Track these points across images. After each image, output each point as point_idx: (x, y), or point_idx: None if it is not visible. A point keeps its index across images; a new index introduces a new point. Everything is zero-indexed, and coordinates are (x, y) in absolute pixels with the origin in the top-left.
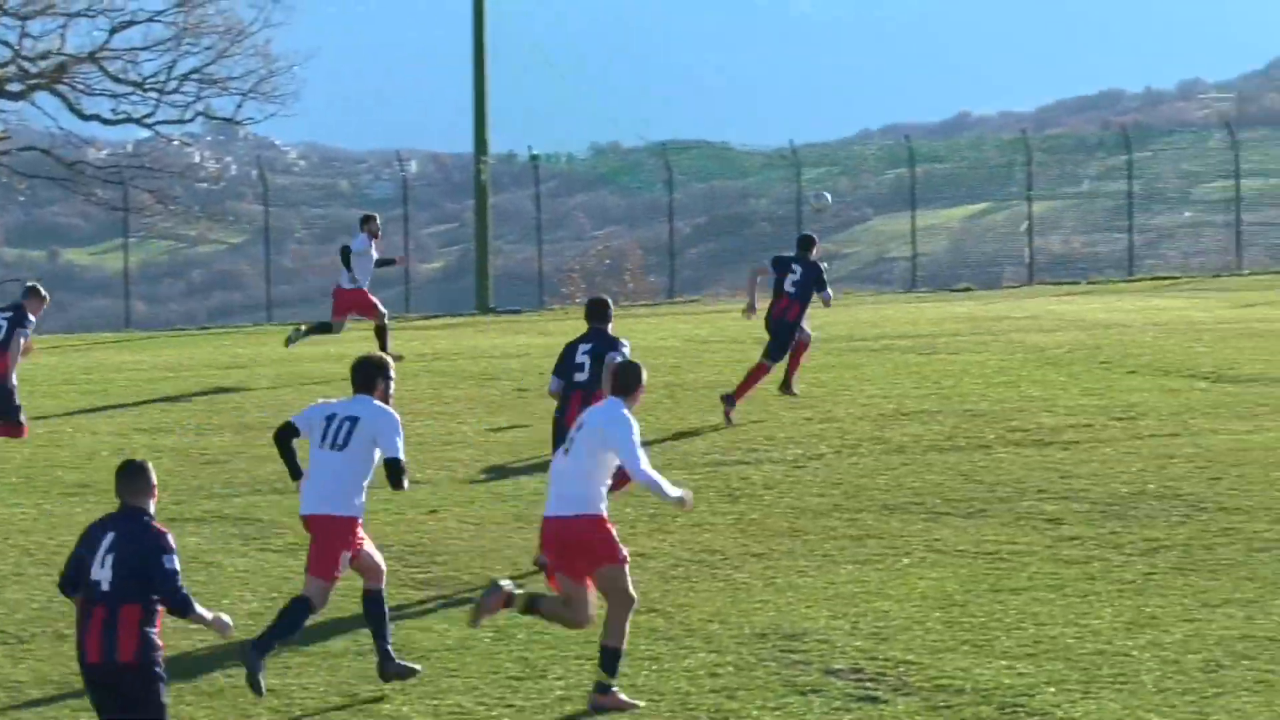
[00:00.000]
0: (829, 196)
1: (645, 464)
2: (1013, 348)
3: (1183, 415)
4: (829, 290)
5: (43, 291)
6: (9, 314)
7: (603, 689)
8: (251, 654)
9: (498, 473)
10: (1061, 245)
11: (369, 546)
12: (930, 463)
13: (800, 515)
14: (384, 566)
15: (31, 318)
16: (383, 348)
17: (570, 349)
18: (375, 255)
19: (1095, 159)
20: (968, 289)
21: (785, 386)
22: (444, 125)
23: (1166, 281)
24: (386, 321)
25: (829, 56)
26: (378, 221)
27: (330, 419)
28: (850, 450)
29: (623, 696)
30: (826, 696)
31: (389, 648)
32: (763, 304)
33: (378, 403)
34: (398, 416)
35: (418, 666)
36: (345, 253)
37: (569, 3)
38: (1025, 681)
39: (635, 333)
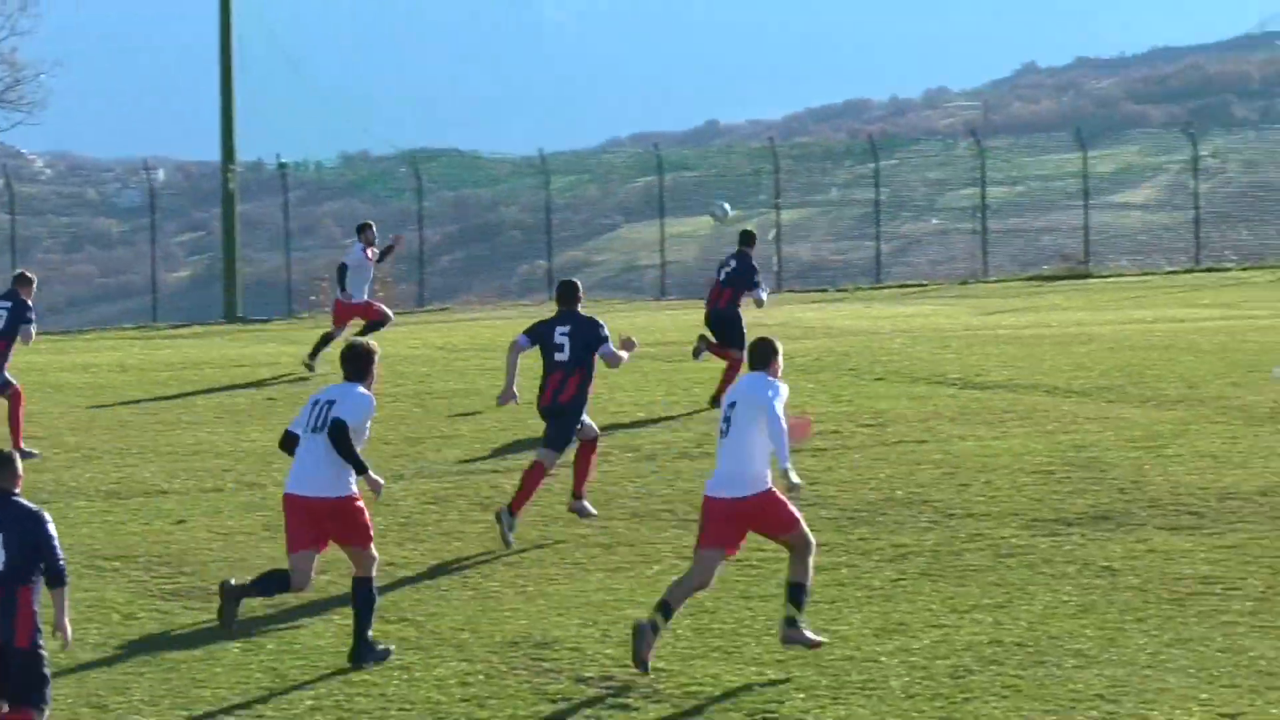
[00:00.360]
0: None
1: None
2: None
3: (930, 422)
4: (761, 291)
5: (30, 275)
6: (9, 304)
7: (790, 623)
8: (358, 657)
9: (247, 482)
10: (810, 253)
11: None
12: (680, 470)
13: (551, 523)
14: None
15: (31, 306)
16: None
17: (547, 328)
18: (373, 264)
19: (843, 167)
20: None
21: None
22: (191, 133)
23: (914, 289)
24: (390, 322)
25: (578, 64)
26: (374, 230)
27: (315, 404)
28: (601, 458)
29: (809, 633)
30: (578, 705)
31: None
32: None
33: (360, 389)
34: (372, 402)
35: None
36: (342, 271)
37: (316, 11)
38: (775, 688)
39: (385, 342)
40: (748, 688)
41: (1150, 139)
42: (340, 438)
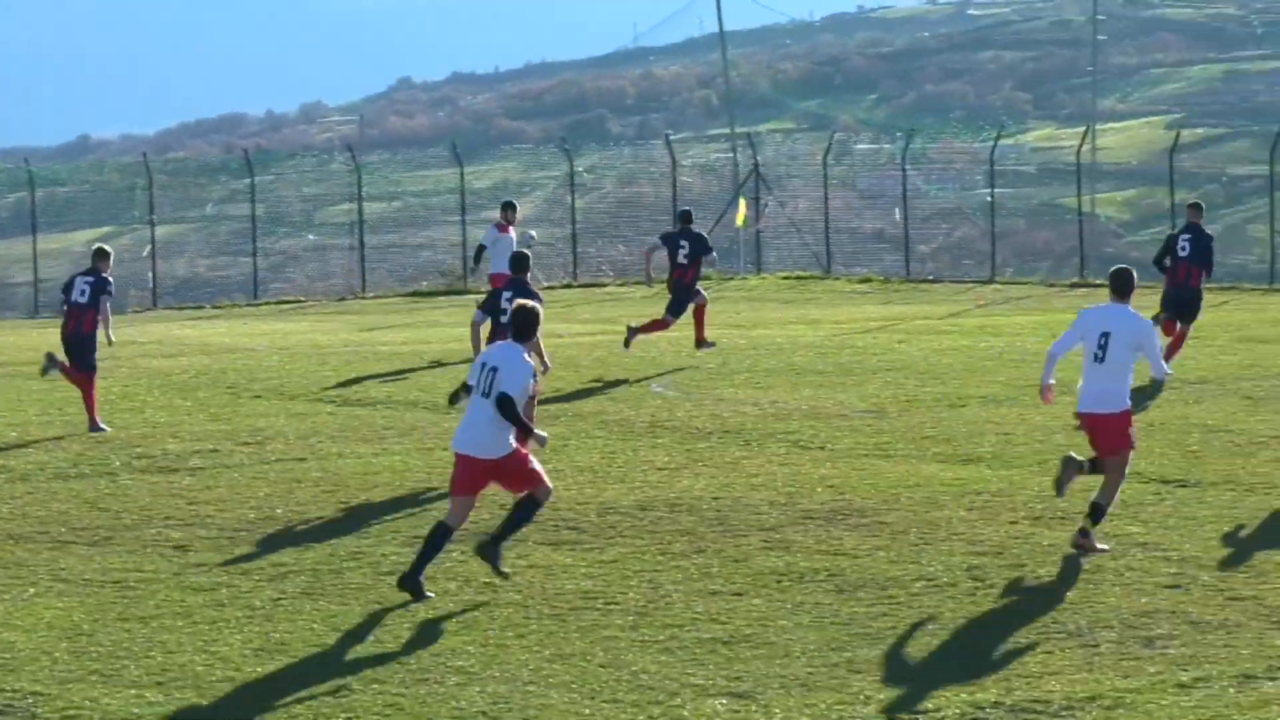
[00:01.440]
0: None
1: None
2: (138, 373)
3: (310, 439)
4: (714, 252)
5: (108, 249)
6: (90, 279)
7: (1084, 533)
8: (484, 548)
9: None
10: (186, 269)
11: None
12: (55, 491)
13: None
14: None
15: (111, 281)
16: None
17: (496, 295)
18: (514, 237)
19: (219, 183)
20: None
21: (700, 344)
22: None
23: (291, 305)
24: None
25: None
26: (516, 211)
27: (483, 366)
28: None
29: (1097, 544)
30: None
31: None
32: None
33: (521, 353)
34: (531, 367)
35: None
36: (479, 251)
37: None
38: (155, 710)
39: None
40: (127, 711)
41: (527, 155)
42: (507, 410)
